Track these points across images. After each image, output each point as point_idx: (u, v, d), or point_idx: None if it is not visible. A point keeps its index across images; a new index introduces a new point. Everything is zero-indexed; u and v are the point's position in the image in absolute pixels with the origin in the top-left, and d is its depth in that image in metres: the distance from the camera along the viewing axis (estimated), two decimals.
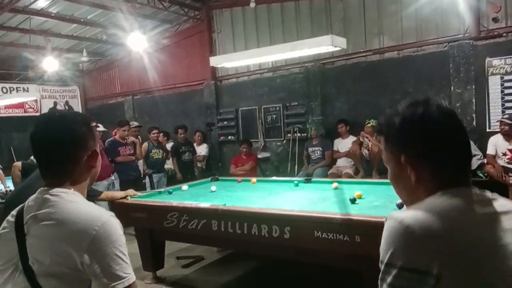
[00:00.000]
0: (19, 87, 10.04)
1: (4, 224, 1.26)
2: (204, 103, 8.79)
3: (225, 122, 8.56)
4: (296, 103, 7.63)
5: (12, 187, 5.01)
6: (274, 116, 7.92)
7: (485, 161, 5.51)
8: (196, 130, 8.36)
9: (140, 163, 6.98)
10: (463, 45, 5.95)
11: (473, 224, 0.91)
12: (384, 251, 0.92)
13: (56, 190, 1.21)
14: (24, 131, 9.95)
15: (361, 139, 6.25)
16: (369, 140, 6.09)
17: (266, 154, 8.05)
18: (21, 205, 1.26)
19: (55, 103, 10.66)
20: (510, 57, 5.69)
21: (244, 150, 7.17)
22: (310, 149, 7.00)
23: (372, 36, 6.75)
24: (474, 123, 5.97)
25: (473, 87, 5.95)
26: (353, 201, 3.35)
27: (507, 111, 5.62)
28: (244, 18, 8.10)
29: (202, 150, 8.13)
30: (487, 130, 5.87)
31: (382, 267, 0.92)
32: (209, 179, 5.37)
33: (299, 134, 7.48)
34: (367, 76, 6.78)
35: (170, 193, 4.50)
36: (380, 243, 0.95)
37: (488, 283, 0.87)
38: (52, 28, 8.40)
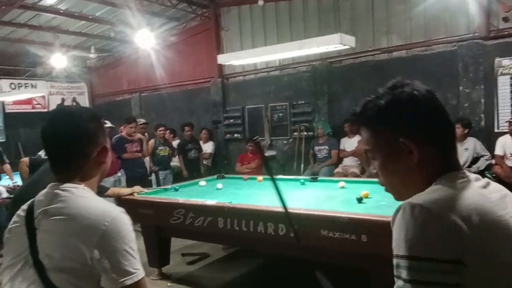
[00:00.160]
0: (27, 83, 10.10)
1: (15, 218, 1.27)
2: (211, 100, 8.80)
3: (232, 120, 8.57)
4: (303, 102, 7.61)
5: (19, 182, 5.05)
6: (280, 114, 7.91)
7: (493, 161, 5.47)
8: (203, 127, 8.37)
9: (147, 160, 7.00)
10: (472, 44, 5.90)
11: (491, 205, 0.87)
12: (405, 243, 0.82)
13: (66, 185, 1.22)
14: (32, 127, 10.02)
15: None
16: None
17: (272, 153, 8.04)
18: (32, 199, 1.27)
19: (63, 100, 10.72)
20: None
21: (251, 148, 7.17)
22: (316, 148, 6.99)
23: (380, 34, 6.71)
24: (483, 123, 5.93)
25: (482, 87, 5.90)
26: (359, 200, 3.34)
27: None
28: (252, 16, 8.09)
29: (208, 147, 8.14)
30: (496, 130, 5.83)
31: (400, 261, 0.83)
32: (215, 176, 5.38)
33: (305, 133, 7.47)
34: (374, 75, 6.74)
35: (176, 190, 4.51)
36: (392, 240, 0.87)
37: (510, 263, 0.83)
38: (60, 25, 8.44)
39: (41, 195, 1.25)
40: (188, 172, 7.18)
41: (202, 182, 4.89)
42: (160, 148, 7.10)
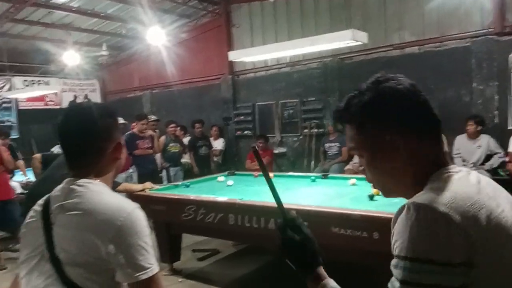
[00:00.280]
0: (40, 80, 10.22)
1: (31, 213, 1.29)
2: (221, 97, 8.81)
3: (242, 117, 8.57)
4: (313, 99, 7.58)
5: (32, 178, 5.13)
6: (291, 111, 7.89)
7: (507, 159, 5.39)
8: (213, 124, 8.39)
9: (158, 156, 7.05)
10: (486, 40, 5.82)
11: (491, 203, 0.85)
12: (411, 245, 0.79)
13: (82, 181, 1.23)
14: (45, 123, 10.15)
15: None
16: None
17: (283, 150, 8.04)
18: (48, 195, 1.28)
19: (75, 97, 10.82)
20: None
21: (261, 145, 7.17)
22: (327, 145, 6.96)
23: (393, 30, 6.65)
24: (496, 120, 5.85)
25: (496, 83, 5.82)
26: (371, 197, 3.32)
27: None
28: (263, 13, 8.07)
29: (218, 144, 8.16)
30: (509, 127, 5.75)
31: (404, 263, 0.80)
32: (226, 173, 5.39)
33: (316, 130, 7.45)
34: (386, 72, 6.63)
35: (187, 186, 4.54)
36: (392, 239, 0.85)
37: None
38: (72, 22, 8.52)
39: (57, 190, 1.26)
40: (198, 169, 7.21)
41: (221, 178, 4.92)
42: (171, 144, 7.14)
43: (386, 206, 3.06)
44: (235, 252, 4.89)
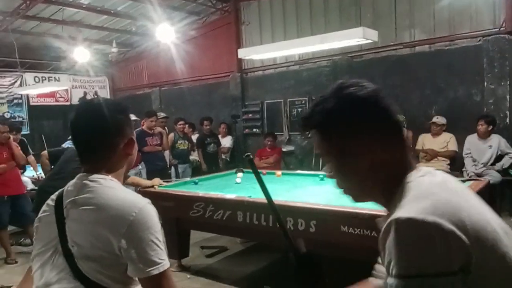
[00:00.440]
0: (51, 77, 10.31)
1: (44, 207, 1.30)
2: (230, 95, 8.82)
3: (250, 115, 8.57)
4: None
5: (43, 174, 5.19)
6: (299, 109, 7.87)
7: None
8: (221, 122, 8.41)
9: (167, 153, 7.08)
10: (498, 39, 5.74)
11: (461, 199, 0.87)
12: (407, 261, 0.78)
13: (95, 176, 1.24)
14: (55, 119, 10.24)
15: None
16: None
17: (291, 148, 8.02)
18: (61, 189, 1.30)
19: (85, 93, 10.90)
20: None
21: (269, 143, 7.17)
22: None
23: (403, 28, 6.59)
24: (507, 120, 5.78)
25: (508, 82, 5.75)
26: None
27: None
28: (272, 10, 8.05)
29: (226, 142, 8.18)
30: None
31: (403, 282, 0.77)
32: (234, 170, 5.40)
33: None
34: (396, 70, 6.64)
35: (196, 183, 4.55)
36: (385, 259, 0.83)
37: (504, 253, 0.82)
38: (83, 19, 8.57)
39: (70, 185, 1.28)
40: (207, 166, 7.23)
41: (238, 179, 4.67)
42: (179, 142, 7.17)
43: None
44: (243, 250, 4.90)
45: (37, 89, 9.19)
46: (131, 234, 1.12)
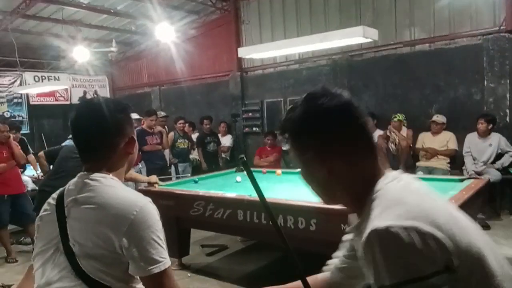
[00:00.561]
0: (51, 76, 10.30)
1: (46, 206, 1.30)
2: (230, 94, 8.82)
3: (250, 114, 8.57)
4: None
5: (42, 173, 5.20)
6: None
7: None
8: (221, 121, 8.41)
9: (167, 152, 7.08)
10: (498, 38, 5.74)
11: (432, 201, 0.90)
12: (398, 269, 0.79)
13: (95, 175, 1.24)
14: (55, 118, 10.24)
15: (388, 134, 6.15)
16: (396, 135, 5.99)
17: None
18: (62, 188, 1.30)
19: (85, 92, 10.89)
20: None
21: (269, 141, 7.17)
22: None
23: (403, 27, 6.59)
24: (508, 119, 5.78)
25: (508, 81, 5.75)
26: None
27: None
28: (272, 9, 8.05)
29: (226, 141, 8.18)
30: None
31: None
32: (234, 169, 5.40)
33: None
34: (396, 69, 6.64)
35: (196, 182, 4.55)
36: (371, 273, 0.84)
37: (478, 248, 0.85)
38: (82, 18, 8.57)
39: (71, 184, 1.28)
40: (207, 165, 7.24)
41: (238, 178, 4.70)
42: (179, 141, 7.17)
43: None
44: (243, 248, 4.91)
45: (37, 88, 9.17)
46: (132, 233, 1.13)
